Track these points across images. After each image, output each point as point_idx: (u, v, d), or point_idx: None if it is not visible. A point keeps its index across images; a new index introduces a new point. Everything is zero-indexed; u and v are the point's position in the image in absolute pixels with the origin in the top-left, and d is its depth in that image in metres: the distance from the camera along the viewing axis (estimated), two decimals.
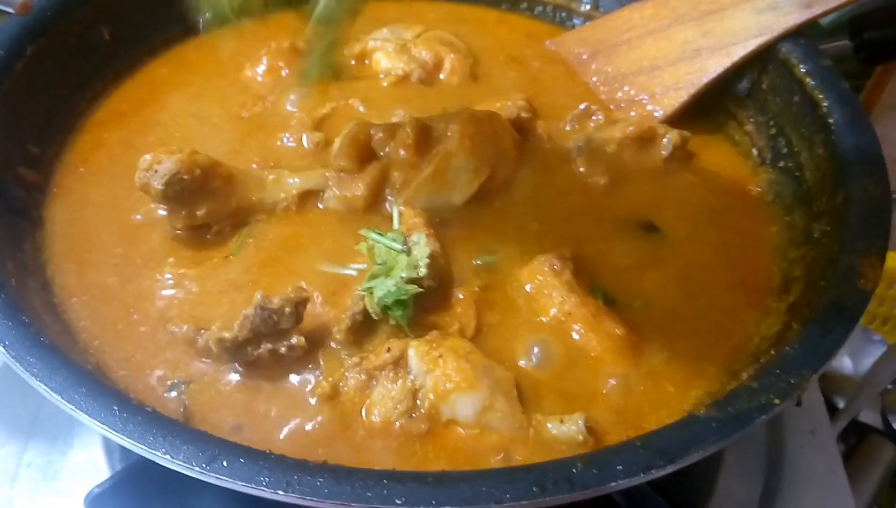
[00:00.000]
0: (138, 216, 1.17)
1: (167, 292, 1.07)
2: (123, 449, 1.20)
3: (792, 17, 1.33)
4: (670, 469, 0.78)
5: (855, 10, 1.34)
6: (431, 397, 0.93)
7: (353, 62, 1.49)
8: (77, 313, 1.04)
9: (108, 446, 1.22)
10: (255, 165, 1.25)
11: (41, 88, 1.24)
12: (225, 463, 0.75)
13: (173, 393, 0.96)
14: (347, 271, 1.10)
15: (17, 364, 0.81)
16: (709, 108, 1.41)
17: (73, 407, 0.78)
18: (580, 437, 0.92)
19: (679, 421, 0.84)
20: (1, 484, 1.19)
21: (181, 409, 0.95)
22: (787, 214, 1.22)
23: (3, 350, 0.82)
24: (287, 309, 0.95)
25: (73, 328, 1.02)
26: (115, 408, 0.79)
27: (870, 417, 1.75)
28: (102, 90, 1.37)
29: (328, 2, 0.99)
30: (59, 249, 1.12)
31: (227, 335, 0.93)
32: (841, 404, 1.75)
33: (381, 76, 1.44)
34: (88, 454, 1.23)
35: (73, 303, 1.06)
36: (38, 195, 1.17)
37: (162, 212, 1.16)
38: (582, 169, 1.29)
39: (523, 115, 1.32)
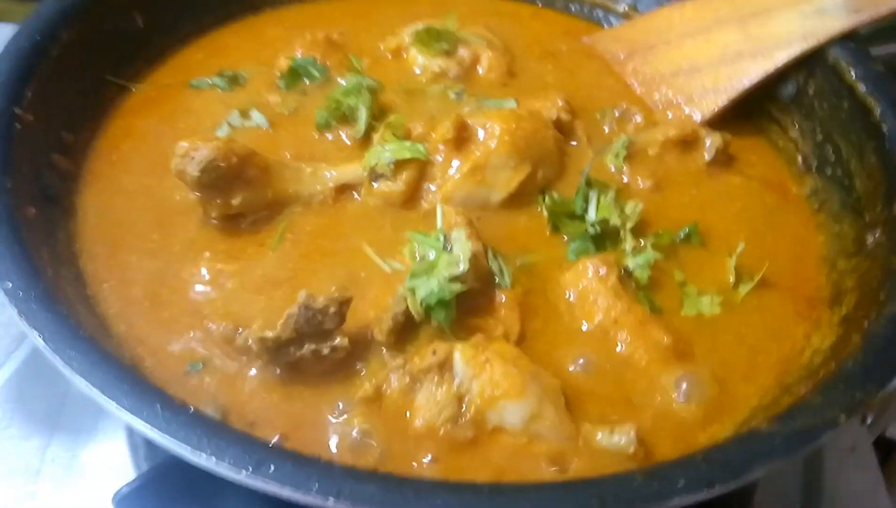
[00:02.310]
0: (177, 198, 1.14)
1: (202, 288, 1.04)
2: (149, 446, 1.18)
3: (839, 23, 1.30)
4: (733, 484, 0.75)
5: None
6: (478, 402, 0.90)
7: (389, 56, 1.46)
8: (109, 302, 1.02)
9: (133, 442, 1.20)
10: (288, 156, 1.22)
11: (75, 74, 1.21)
12: (272, 468, 0.72)
13: (209, 390, 0.93)
14: (389, 266, 1.07)
15: (57, 358, 0.78)
16: (750, 111, 1.38)
17: (115, 405, 0.75)
18: (631, 449, 0.89)
19: (741, 436, 0.81)
20: (24, 479, 1.16)
21: (216, 408, 0.92)
22: (835, 223, 1.20)
23: (43, 343, 0.79)
24: (331, 309, 0.92)
25: (106, 320, 0.99)
26: (158, 406, 0.76)
27: None
28: (135, 76, 1.34)
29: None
30: (91, 237, 1.09)
31: (269, 334, 0.90)
32: (868, 419, 1.72)
33: (418, 71, 1.41)
34: (113, 449, 1.21)
35: (105, 291, 1.03)
36: (70, 183, 1.14)
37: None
38: (625, 171, 1.25)
39: (563, 116, 1.29)
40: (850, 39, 1.28)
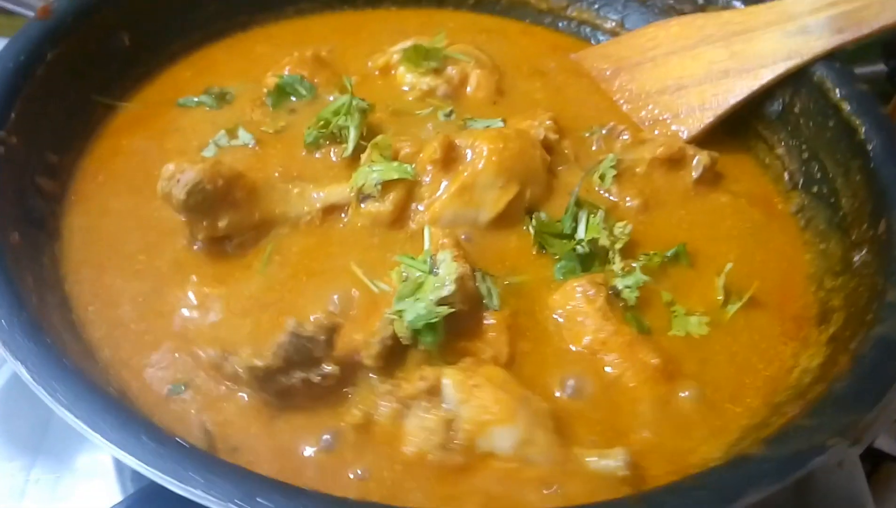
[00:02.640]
0: (163, 219, 1.13)
1: (189, 312, 1.03)
2: None
3: (822, 42, 1.31)
4: None
5: (889, 35, 1.31)
6: (467, 428, 0.89)
7: (377, 74, 1.46)
8: (94, 326, 1.01)
9: (119, 464, 1.18)
10: (276, 175, 1.22)
11: (61, 94, 1.20)
12: (259, 500, 0.72)
13: (195, 415, 0.92)
14: (377, 286, 1.06)
15: (41, 389, 0.77)
16: (737, 129, 1.39)
17: (100, 437, 0.74)
18: (621, 472, 0.88)
19: (733, 460, 0.81)
20: (8, 500, 1.14)
21: (202, 433, 0.91)
22: (821, 241, 1.20)
23: (26, 373, 0.78)
24: (321, 337, 0.91)
25: (91, 344, 0.98)
26: (144, 437, 0.76)
27: (886, 444, 1.71)
28: (122, 95, 1.34)
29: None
30: (76, 260, 1.08)
31: (259, 363, 0.89)
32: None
33: (407, 89, 1.41)
34: (99, 471, 1.19)
35: (91, 314, 1.02)
36: (55, 205, 1.13)
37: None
38: (613, 190, 1.25)
39: (550, 135, 1.29)
40: (835, 59, 1.29)
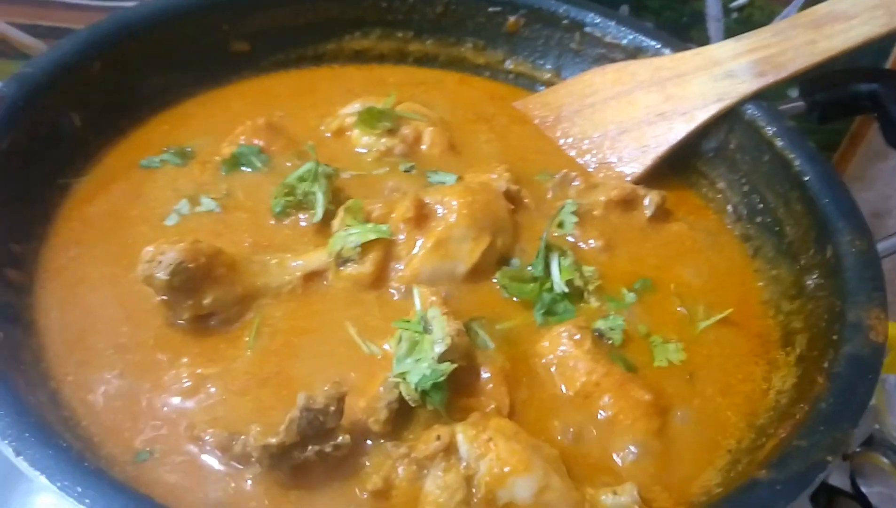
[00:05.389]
0: (141, 298, 1.11)
1: (186, 396, 1.01)
2: None
3: (746, 85, 1.42)
4: None
5: (805, 76, 1.44)
6: (487, 481, 0.91)
7: (328, 135, 1.47)
8: (88, 421, 0.97)
9: None
10: (247, 244, 1.22)
11: (17, 182, 1.16)
12: None
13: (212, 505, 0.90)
14: (368, 348, 1.09)
15: (67, 496, 0.74)
16: (678, 167, 1.48)
17: None
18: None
19: (744, 486, 0.86)
20: None
21: None
22: (772, 268, 1.29)
23: (47, 481, 0.75)
24: (332, 407, 0.91)
25: (90, 440, 0.94)
26: None
27: (838, 480, 1.78)
28: (82, 168, 1.31)
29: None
30: (57, 352, 1.04)
31: (273, 440, 0.89)
32: None
33: (364, 151, 1.43)
34: None
35: (82, 410, 0.98)
36: (26, 297, 1.08)
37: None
38: (576, 234, 1.31)
39: (511, 186, 1.34)
40: (762, 99, 1.40)
